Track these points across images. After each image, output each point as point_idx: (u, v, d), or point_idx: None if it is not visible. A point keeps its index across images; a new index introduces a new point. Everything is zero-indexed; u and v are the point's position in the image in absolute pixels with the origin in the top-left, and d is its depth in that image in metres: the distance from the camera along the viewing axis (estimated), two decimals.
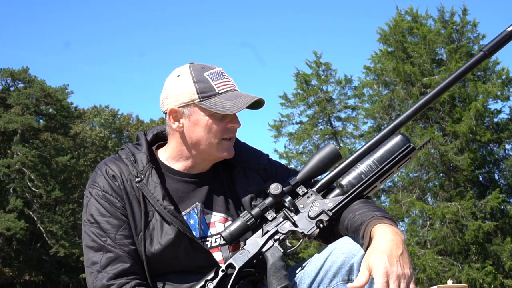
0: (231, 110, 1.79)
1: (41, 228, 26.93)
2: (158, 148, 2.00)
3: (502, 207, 18.02)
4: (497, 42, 1.89)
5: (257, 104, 1.88)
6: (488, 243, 17.19)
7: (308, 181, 1.88)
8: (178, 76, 1.88)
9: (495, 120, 18.95)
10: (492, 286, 16.26)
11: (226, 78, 1.86)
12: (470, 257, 17.13)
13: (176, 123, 1.87)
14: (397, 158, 1.84)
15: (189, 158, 1.90)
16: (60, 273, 29.66)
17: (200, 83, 1.83)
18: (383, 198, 19.53)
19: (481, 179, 18.91)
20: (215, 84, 1.83)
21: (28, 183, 26.87)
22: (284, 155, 20.88)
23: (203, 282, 1.76)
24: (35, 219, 26.94)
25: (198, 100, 1.82)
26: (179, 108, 1.86)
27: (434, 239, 17.06)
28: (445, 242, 16.76)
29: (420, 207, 17.19)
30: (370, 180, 1.83)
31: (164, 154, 1.96)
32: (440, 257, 16.68)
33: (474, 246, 16.98)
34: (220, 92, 1.82)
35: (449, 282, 13.02)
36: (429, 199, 18.90)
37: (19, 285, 28.38)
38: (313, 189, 1.85)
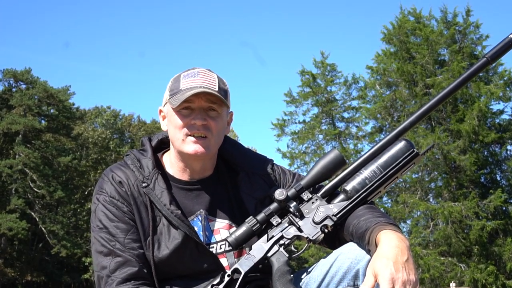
0: (175, 104, 1.82)
1: (43, 228, 26.97)
2: (163, 153, 2.02)
3: (503, 208, 18.02)
4: (500, 48, 1.91)
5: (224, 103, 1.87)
6: (490, 243, 17.19)
7: (313, 187, 1.89)
8: None
9: (497, 121, 18.95)
10: (494, 286, 16.25)
11: (199, 76, 1.86)
12: (473, 258, 17.12)
13: (163, 122, 1.96)
14: (401, 164, 1.85)
15: (180, 160, 1.92)
16: (62, 274, 29.69)
17: (174, 83, 1.89)
18: (384, 199, 19.54)
19: (482, 180, 18.91)
20: (183, 82, 1.86)
21: (30, 184, 26.92)
22: (288, 155, 20.90)
23: (209, 287, 1.77)
24: (37, 219, 26.98)
25: (169, 98, 1.88)
26: (163, 108, 1.95)
27: (437, 239, 17.06)
28: (448, 242, 16.76)
29: (424, 207, 17.19)
30: (374, 186, 1.84)
31: (168, 160, 1.98)
32: (442, 258, 16.68)
33: (477, 247, 16.97)
34: (182, 88, 1.84)
35: (452, 285, 12.98)
36: (431, 200, 18.89)
37: (21, 285, 28.41)
38: (317, 194, 1.86)
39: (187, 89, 1.83)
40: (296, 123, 21.38)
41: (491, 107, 18.40)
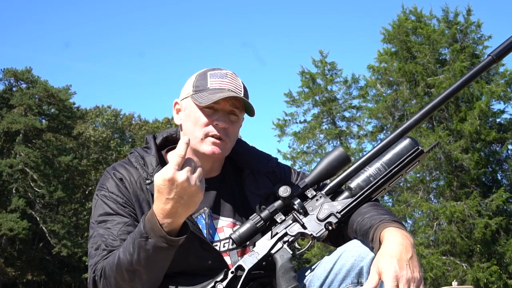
0: (203, 102, 1.81)
1: (43, 228, 26.98)
2: (168, 151, 2.01)
3: (505, 207, 18.05)
4: (505, 47, 1.90)
5: (249, 111, 1.89)
6: (493, 243, 17.22)
7: (317, 184, 1.89)
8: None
9: (498, 120, 18.97)
10: (495, 286, 16.26)
11: (228, 79, 1.87)
12: (475, 257, 17.15)
13: (177, 115, 1.94)
14: (405, 161, 1.85)
15: (192, 157, 1.89)
16: (63, 273, 29.72)
17: (199, 79, 1.88)
18: (386, 198, 19.56)
19: (484, 179, 18.92)
20: (211, 81, 1.85)
21: (31, 183, 26.93)
22: (288, 156, 20.89)
23: (212, 284, 1.76)
24: (38, 219, 26.99)
25: (192, 93, 1.87)
26: (180, 101, 1.93)
27: (440, 239, 17.07)
28: (452, 241, 16.78)
29: (427, 207, 17.20)
30: (379, 183, 1.84)
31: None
32: (444, 257, 16.69)
33: (479, 246, 17.00)
34: (210, 88, 1.84)
35: (454, 283, 12.98)
36: (433, 199, 18.90)
37: (21, 284, 28.42)
38: (322, 192, 1.86)
39: (216, 90, 1.84)
40: (297, 123, 21.41)
41: (492, 106, 18.42)
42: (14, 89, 29.13)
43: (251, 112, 1.90)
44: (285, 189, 1.80)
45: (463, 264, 16.70)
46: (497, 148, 18.95)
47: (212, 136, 1.83)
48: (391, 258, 1.55)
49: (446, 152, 17.40)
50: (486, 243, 16.93)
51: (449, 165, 17.96)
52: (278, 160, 2.08)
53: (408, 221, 18.41)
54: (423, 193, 18.27)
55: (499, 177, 19.30)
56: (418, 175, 18.54)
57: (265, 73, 67.29)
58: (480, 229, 16.38)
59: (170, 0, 66.41)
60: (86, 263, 28.96)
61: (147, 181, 1.84)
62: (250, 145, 2.06)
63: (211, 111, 1.84)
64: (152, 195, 1.83)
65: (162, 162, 1.92)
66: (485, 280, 16.08)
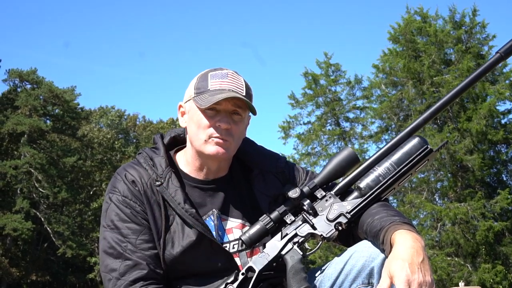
0: (203, 104, 1.80)
1: (48, 228, 27.03)
2: (176, 151, 2.00)
3: (510, 208, 17.99)
4: None
5: (251, 109, 1.88)
6: (498, 243, 17.17)
7: (326, 184, 1.88)
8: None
9: (504, 121, 18.91)
10: (501, 287, 16.22)
11: (228, 79, 1.85)
12: (479, 258, 17.10)
13: (182, 118, 1.93)
14: (414, 160, 1.85)
15: (197, 159, 1.90)
16: (67, 273, 29.77)
17: (200, 81, 1.86)
18: (390, 198, 19.48)
19: (489, 180, 18.86)
20: (211, 82, 1.84)
21: (35, 184, 26.96)
22: (291, 158, 20.83)
23: (223, 285, 1.76)
24: (42, 219, 27.04)
25: (194, 95, 1.85)
26: (184, 104, 1.92)
27: (444, 240, 17.03)
28: (455, 243, 16.73)
29: (430, 208, 17.15)
30: (388, 183, 1.83)
31: (182, 158, 1.96)
32: (449, 258, 16.66)
33: (484, 246, 16.95)
34: (211, 89, 1.82)
35: (461, 284, 12.96)
36: (437, 199, 18.85)
37: (26, 285, 28.47)
38: (331, 192, 1.85)
39: (216, 91, 1.82)
40: (301, 124, 21.38)
41: (497, 107, 18.37)
42: (19, 90, 29.19)
43: (253, 111, 1.88)
44: (295, 190, 1.80)
45: (468, 265, 16.66)
46: (502, 149, 18.89)
47: (215, 137, 1.82)
48: (403, 262, 1.55)
49: (450, 153, 17.35)
50: (490, 244, 16.88)
51: (454, 165, 17.91)
52: (286, 159, 2.07)
53: (413, 222, 18.35)
54: (428, 193, 18.22)
55: (504, 178, 19.25)
56: (422, 175, 18.50)
57: (269, 77, 67.26)
58: (482, 232, 16.33)
59: (173, 0, 66.50)
60: (90, 263, 29.18)
61: (157, 183, 1.83)
62: (258, 144, 2.05)
63: (213, 112, 1.82)
64: (162, 197, 1.83)
65: (171, 163, 1.91)
66: (490, 281, 16.04)
